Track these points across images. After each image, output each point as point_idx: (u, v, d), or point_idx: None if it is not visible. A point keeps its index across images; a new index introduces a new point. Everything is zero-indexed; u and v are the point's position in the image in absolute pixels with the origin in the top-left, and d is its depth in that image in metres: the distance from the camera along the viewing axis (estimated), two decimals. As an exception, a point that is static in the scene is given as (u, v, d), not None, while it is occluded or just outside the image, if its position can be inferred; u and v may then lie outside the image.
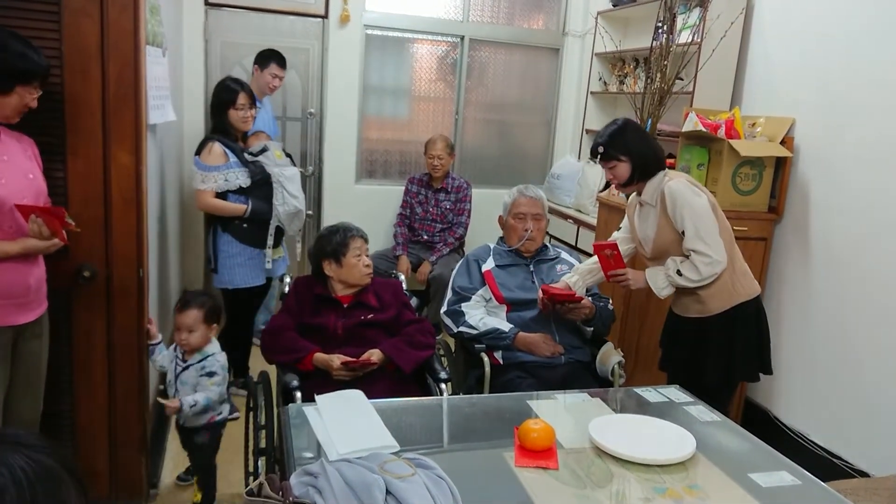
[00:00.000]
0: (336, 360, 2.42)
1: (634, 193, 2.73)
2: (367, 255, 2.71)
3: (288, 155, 3.53)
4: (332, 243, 2.66)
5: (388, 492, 1.37)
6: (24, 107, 1.95)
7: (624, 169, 2.59)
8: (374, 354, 2.48)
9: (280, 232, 3.40)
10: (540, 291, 2.74)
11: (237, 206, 3.21)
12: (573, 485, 1.64)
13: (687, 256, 2.53)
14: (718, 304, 2.58)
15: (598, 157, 2.63)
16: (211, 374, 2.45)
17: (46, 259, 2.12)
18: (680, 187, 2.50)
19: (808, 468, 1.79)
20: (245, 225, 3.26)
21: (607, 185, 3.96)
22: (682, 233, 2.51)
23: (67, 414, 2.43)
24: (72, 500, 0.83)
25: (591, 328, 2.80)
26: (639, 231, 2.72)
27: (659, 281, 2.59)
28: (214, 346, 2.52)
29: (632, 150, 2.57)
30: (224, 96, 3.22)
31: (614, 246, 2.67)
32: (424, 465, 1.50)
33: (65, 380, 2.40)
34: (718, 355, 2.60)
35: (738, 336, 2.59)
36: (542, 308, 2.74)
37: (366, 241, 2.72)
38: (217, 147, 3.15)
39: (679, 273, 2.51)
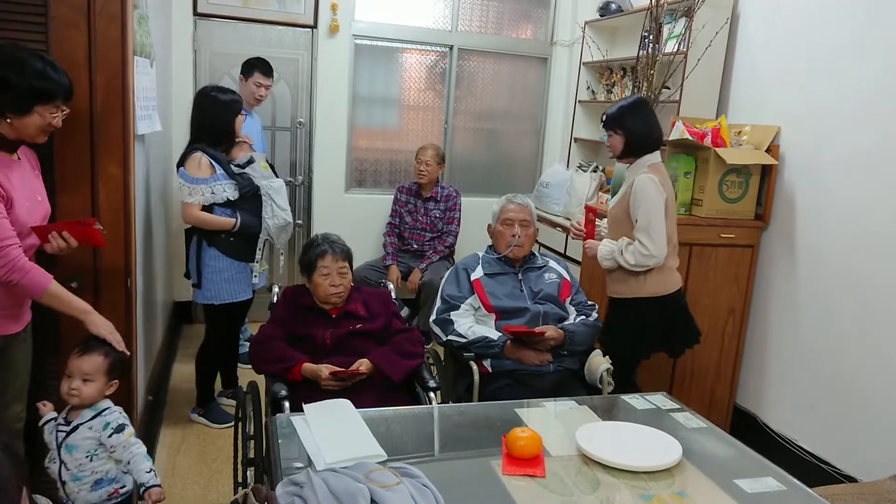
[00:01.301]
0: (325, 370, 2.41)
1: None
2: (342, 272, 2.63)
3: (270, 166, 3.51)
4: (305, 257, 2.67)
5: (372, 501, 1.37)
6: (48, 126, 1.94)
7: (617, 141, 2.89)
8: (363, 364, 2.47)
9: (265, 245, 3.37)
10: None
11: (226, 220, 3.16)
12: (560, 492, 1.64)
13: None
14: (624, 290, 2.92)
15: (602, 125, 2.96)
16: (121, 428, 2.00)
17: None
18: (648, 183, 2.77)
19: (796, 474, 1.80)
20: (232, 239, 3.20)
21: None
22: (636, 221, 2.80)
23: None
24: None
25: (566, 353, 2.74)
26: (613, 198, 3.07)
27: (605, 252, 2.91)
28: (106, 401, 2.05)
29: (627, 127, 2.86)
30: (236, 108, 3.22)
31: (592, 210, 3.08)
32: (410, 474, 1.50)
33: (52, 391, 2.38)
34: (614, 334, 2.95)
35: (629, 322, 2.90)
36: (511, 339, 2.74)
37: (341, 255, 2.65)
38: (204, 159, 3.10)
39: (621, 253, 2.83)
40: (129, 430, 2.01)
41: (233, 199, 3.15)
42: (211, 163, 3.12)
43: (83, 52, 2.21)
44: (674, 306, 2.94)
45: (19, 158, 2.00)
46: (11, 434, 2.08)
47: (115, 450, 1.98)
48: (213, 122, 3.18)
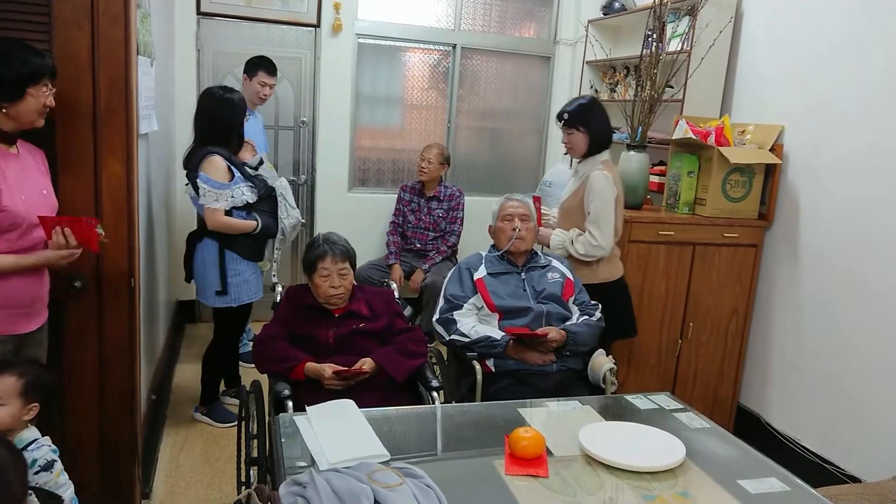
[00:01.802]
0: (328, 369, 2.41)
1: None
2: (342, 273, 2.60)
3: (273, 166, 3.53)
4: (307, 258, 2.67)
5: (375, 501, 1.37)
6: (42, 107, 1.99)
7: (581, 139, 3.04)
8: (366, 363, 2.47)
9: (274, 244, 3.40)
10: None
11: (250, 223, 3.16)
12: (563, 492, 1.64)
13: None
14: (580, 277, 3.05)
15: (563, 122, 3.07)
16: (50, 466, 1.77)
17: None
18: (602, 180, 2.97)
19: (800, 474, 1.80)
20: (248, 241, 3.21)
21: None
22: (588, 213, 2.99)
23: (57, 424, 2.41)
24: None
25: (569, 354, 2.73)
26: (565, 190, 3.26)
27: (556, 241, 3.11)
28: (33, 432, 1.82)
29: (591, 125, 3.02)
30: (244, 108, 3.21)
31: (538, 199, 3.19)
32: (413, 474, 1.50)
33: (55, 390, 2.38)
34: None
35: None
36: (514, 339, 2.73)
37: (341, 256, 2.62)
38: (222, 162, 3.07)
39: (572, 243, 3.04)
40: (59, 467, 1.80)
41: (251, 201, 3.15)
42: (229, 166, 3.10)
43: (86, 51, 2.21)
44: (619, 292, 3.13)
45: (18, 152, 2.01)
46: None
47: (51, 489, 1.77)
48: (225, 122, 3.16)
